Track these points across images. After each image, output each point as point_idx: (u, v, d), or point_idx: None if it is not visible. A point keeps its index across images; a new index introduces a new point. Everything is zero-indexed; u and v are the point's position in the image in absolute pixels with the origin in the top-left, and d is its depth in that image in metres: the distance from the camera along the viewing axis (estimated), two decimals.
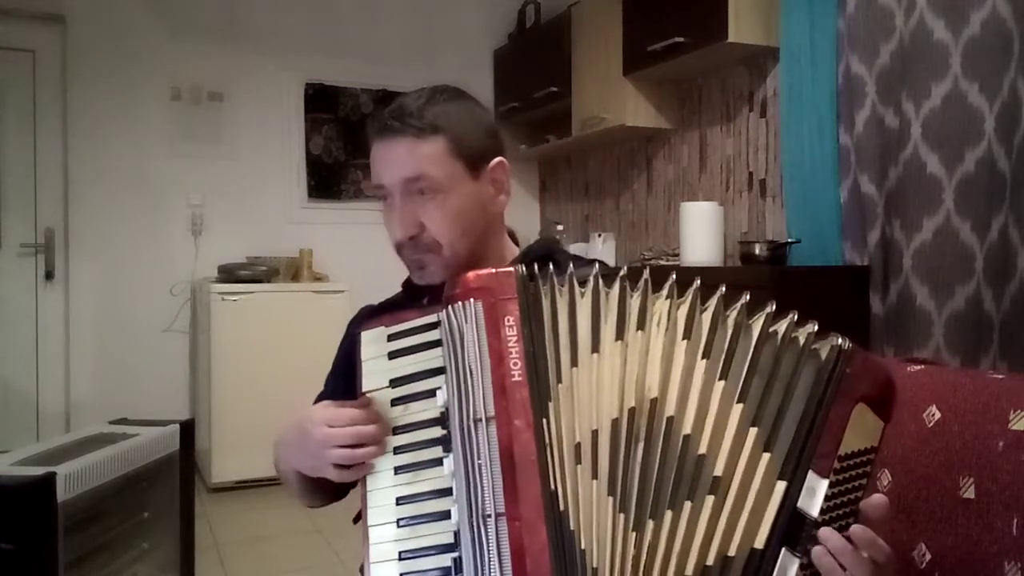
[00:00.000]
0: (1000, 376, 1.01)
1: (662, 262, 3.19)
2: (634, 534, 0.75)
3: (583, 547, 0.74)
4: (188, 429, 2.19)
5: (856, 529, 0.74)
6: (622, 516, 0.75)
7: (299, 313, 3.51)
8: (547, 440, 0.76)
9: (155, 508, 2.08)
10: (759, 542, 0.74)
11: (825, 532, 0.74)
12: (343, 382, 1.00)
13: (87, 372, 3.69)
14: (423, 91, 1.01)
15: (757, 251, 2.63)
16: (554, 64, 3.83)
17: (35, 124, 3.62)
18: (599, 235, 3.74)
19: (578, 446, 0.77)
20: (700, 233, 2.91)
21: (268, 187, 4.03)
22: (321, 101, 4.12)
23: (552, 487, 0.75)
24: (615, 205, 3.97)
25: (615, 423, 0.77)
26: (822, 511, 0.74)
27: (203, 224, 3.88)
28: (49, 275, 3.65)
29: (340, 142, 4.16)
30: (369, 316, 0.98)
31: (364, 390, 0.89)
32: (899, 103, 2.28)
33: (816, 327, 0.79)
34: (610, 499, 0.75)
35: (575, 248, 3.82)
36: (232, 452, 3.36)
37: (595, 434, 0.77)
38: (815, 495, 0.74)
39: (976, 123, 2.09)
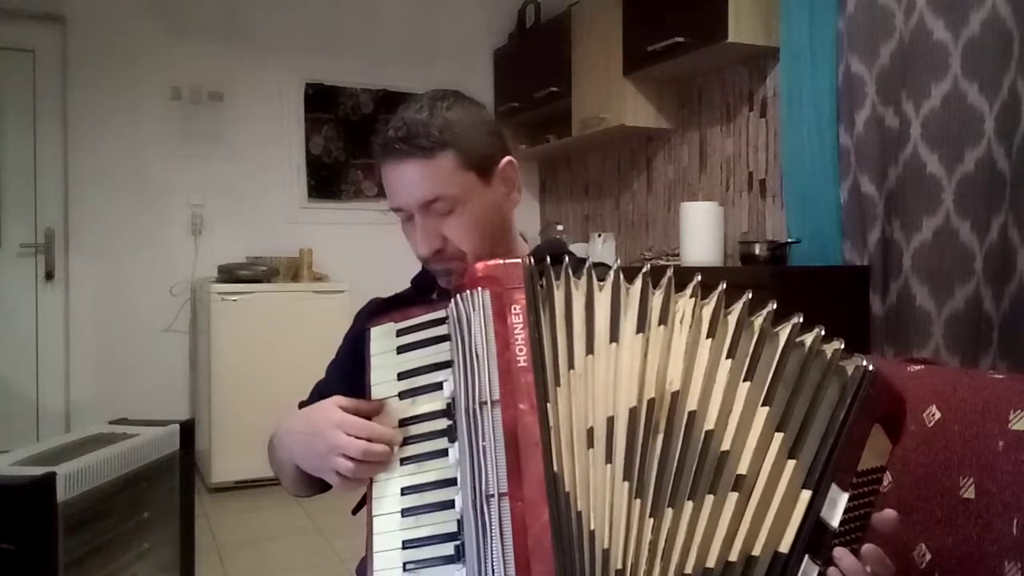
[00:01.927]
0: (1000, 376, 1.01)
1: (662, 262, 3.19)
2: (651, 520, 0.75)
3: (592, 528, 0.75)
4: (188, 429, 2.19)
5: (868, 548, 0.76)
6: (638, 502, 0.76)
7: (299, 313, 3.51)
8: (551, 423, 0.77)
9: (155, 508, 2.08)
10: (784, 546, 0.74)
11: (839, 552, 0.75)
12: (350, 371, 1.00)
13: (87, 372, 3.69)
14: (423, 102, 1.00)
15: (757, 251, 2.64)
16: (554, 64, 3.83)
17: (35, 124, 3.62)
18: (599, 235, 3.74)
19: (591, 431, 0.78)
20: (700, 233, 2.91)
21: (268, 187, 4.03)
22: (321, 101, 4.12)
23: (555, 469, 0.76)
24: (615, 205, 3.97)
25: (633, 411, 0.78)
26: (840, 523, 0.75)
27: (203, 224, 3.88)
28: (49, 275, 3.65)
29: (340, 142, 4.16)
30: (377, 309, 0.99)
31: (372, 383, 0.90)
32: (899, 103, 2.28)
33: (843, 344, 0.80)
34: (625, 484, 0.76)
35: (575, 248, 3.82)
36: (232, 452, 3.36)
37: (611, 420, 0.78)
38: (836, 507, 0.74)
39: (976, 123, 2.09)
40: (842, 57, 2.48)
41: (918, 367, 1.09)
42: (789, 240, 2.66)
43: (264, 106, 4.01)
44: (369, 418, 0.88)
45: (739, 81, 3.12)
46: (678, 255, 3.02)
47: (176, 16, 3.82)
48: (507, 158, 1.04)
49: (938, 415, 1.00)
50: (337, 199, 4.15)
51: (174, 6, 3.82)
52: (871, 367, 0.78)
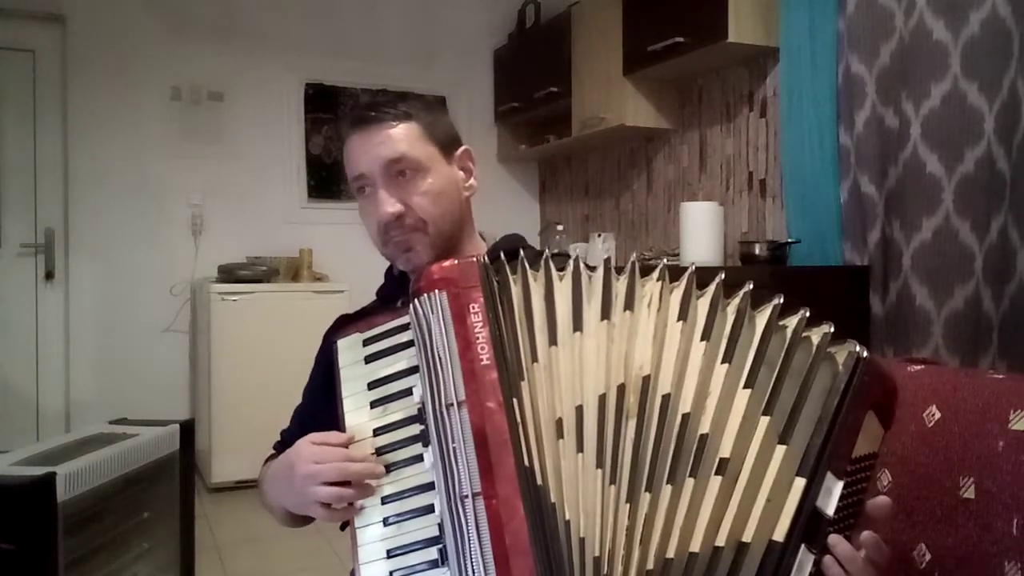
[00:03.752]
0: (1000, 376, 1.01)
1: (662, 262, 3.18)
2: (628, 506, 0.75)
3: (567, 518, 0.74)
4: (188, 429, 2.19)
5: (866, 535, 0.75)
6: (613, 488, 0.75)
7: (299, 313, 3.50)
8: (519, 418, 0.77)
9: (155, 508, 2.08)
10: (779, 535, 0.73)
11: (834, 539, 0.74)
12: (322, 394, 1.01)
13: (87, 372, 3.69)
14: (388, 94, 1.07)
15: (757, 251, 2.64)
16: (554, 64, 3.83)
17: (35, 124, 3.62)
18: (599, 235, 3.74)
19: (559, 421, 0.78)
20: (700, 233, 2.91)
21: (268, 187, 4.03)
22: (321, 101, 4.12)
23: (526, 463, 0.75)
24: (615, 205, 3.97)
25: (602, 398, 0.78)
26: (835, 511, 0.74)
27: (203, 224, 3.88)
28: (49, 275, 3.65)
29: (340, 142, 4.12)
30: (343, 325, 0.99)
31: (343, 396, 0.90)
32: (899, 103, 2.28)
33: (832, 328, 0.79)
34: (599, 472, 0.76)
35: (574, 248, 3.83)
36: (232, 452, 3.36)
37: (579, 409, 0.78)
38: (831, 495, 0.73)
39: (976, 123, 2.09)
40: (842, 57, 2.48)
41: (918, 367, 1.09)
42: (789, 240, 2.66)
43: (264, 106, 4.00)
44: (345, 444, 0.88)
45: (739, 81, 3.12)
46: (678, 255, 3.02)
47: (176, 16, 3.82)
48: (464, 147, 1.10)
49: (938, 415, 1.00)
50: (337, 199, 4.15)
51: (174, 6, 3.82)
52: (864, 353, 0.77)
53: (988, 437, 0.94)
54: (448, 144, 1.06)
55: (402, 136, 1.01)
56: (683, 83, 3.41)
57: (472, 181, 1.10)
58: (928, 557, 0.98)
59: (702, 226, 2.92)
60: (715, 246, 2.91)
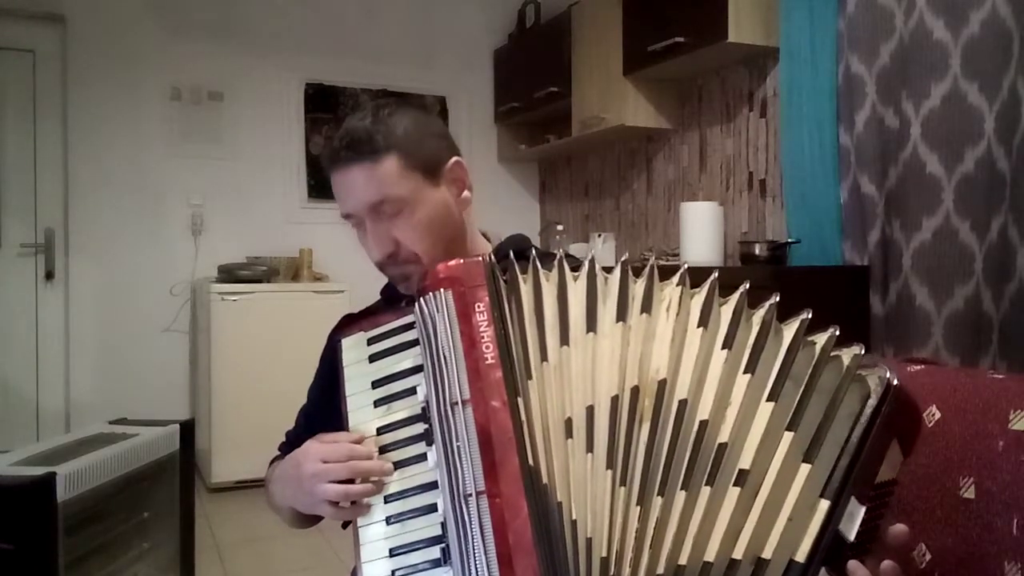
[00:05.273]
0: (1000, 376, 1.01)
1: (662, 262, 3.19)
2: (638, 509, 0.73)
3: (574, 518, 0.74)
4: (188, 429, 2.19)
5: (886, 565, 0.74)
6: (623, 490, 0.74)
7: (299, 313, 3.51)
8: (524, 417, 0.76)
9: (155, 508, 2.08)
10: (800, 555, 0.71)
11: (853, 565, 0.72)
12: (328, 393, 1.01)
13: (87, 372, 3.69)
14: (366, 110, 1.02)
15: (757, 251, 2.64)
16: (554, 64, 3.83)
17: (35, 124, 3.62)
18: (599, 235, 3.75)
19: (568, 421, 0.77)
20: (700, 233, 2.91)
21: (268, 187, 4.03)
22: (321, 101, 4.12)
23: (531, 462, 0.75)
24: (615, 205, 3.97)
25: (615, 400, 0.77)
26: (855, 537, 0.72)
27: (203, 224, 3.88)
28: (49, 275, 3.65)
29: None
30: (348, 324, 0.98)
31: (347, 395, 0.91)
32: (899, 103, 2.28)
33: (863, 349, 0.76)
34: (608, 473, 0.75)
35: (574, 248, 3.83)
36: (232, 452, 3.36)
37: (590, 410, 0.77)
38: (854, 520, 0.71)
39: (976, 123, 2.09)
40: (842, 57, 2.48)
41: (918, 367, 1.09)
42: (789, 240, 2.66)
43: (264, 106, 4.01)
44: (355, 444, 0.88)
45: (739, 81, 3.12)
46: (678, 255, 3.02)
47: (176, 16, 3.82)
48: (454, 159, 1.05)
49: (938, 415, 1.00)
50: None
51: (174, 6, 3.82)
52: (895, 380, 0.74)
53: (988, 437, 0.94)
54: (434, 165, 1.02)
55: (381, 176, 0.97)
56: (683, 83, 3.41)
57: (466, 193, 1.06)
58: (928, 557, 0.98)
59: (702, 226, 2.92)
60: (715, 246, 2.91)
